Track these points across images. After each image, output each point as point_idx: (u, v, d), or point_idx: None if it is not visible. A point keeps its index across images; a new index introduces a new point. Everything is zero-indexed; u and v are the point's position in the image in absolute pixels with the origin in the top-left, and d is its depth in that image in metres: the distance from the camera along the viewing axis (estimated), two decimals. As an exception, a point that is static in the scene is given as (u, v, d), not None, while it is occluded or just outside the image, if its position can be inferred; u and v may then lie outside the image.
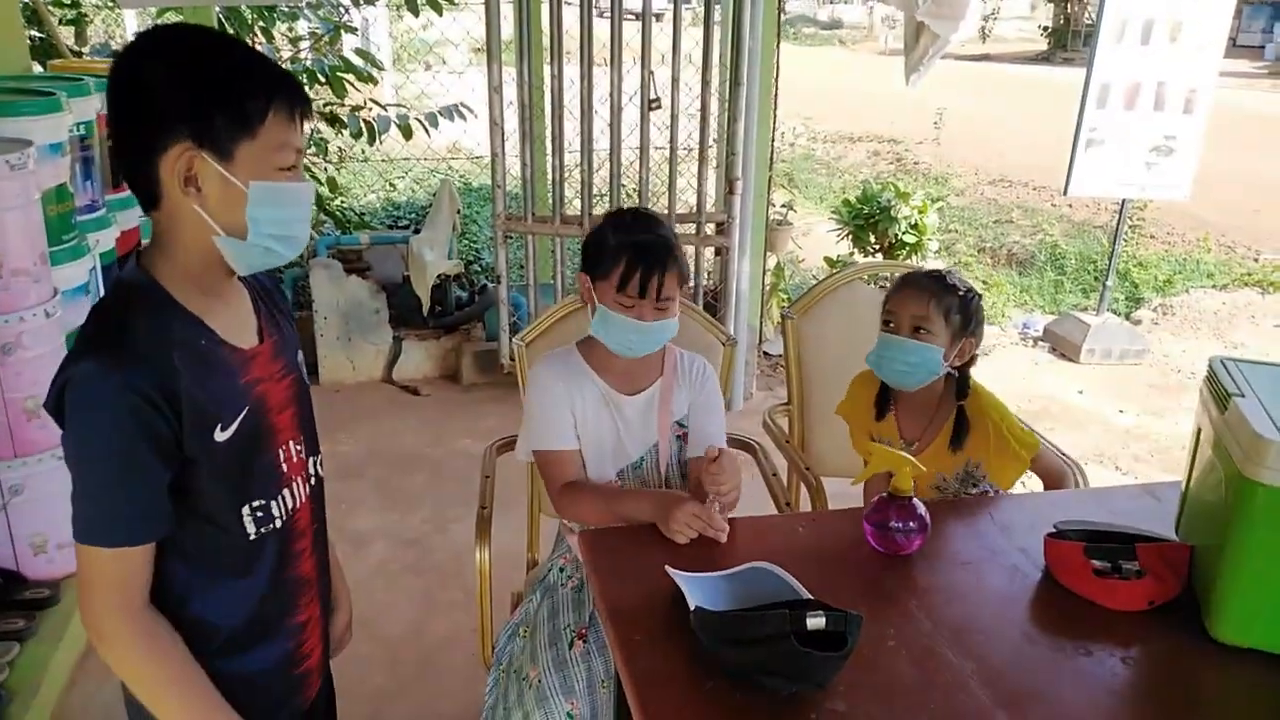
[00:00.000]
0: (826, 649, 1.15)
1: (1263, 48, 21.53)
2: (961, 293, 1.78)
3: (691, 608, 1.26)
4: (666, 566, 1.38)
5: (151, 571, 1.09)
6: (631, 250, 1.65)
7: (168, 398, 1.04)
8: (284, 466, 1.22)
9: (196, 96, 1.03)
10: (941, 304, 1.77)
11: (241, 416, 1.13)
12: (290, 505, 1.23)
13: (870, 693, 1.20)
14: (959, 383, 1.85)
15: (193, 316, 1.11)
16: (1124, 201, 4.82)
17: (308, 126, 1.18)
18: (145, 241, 1.15)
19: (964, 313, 1.78)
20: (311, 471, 1.28)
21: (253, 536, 1.17)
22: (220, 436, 1.10)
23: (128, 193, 3.29)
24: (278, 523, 1.20)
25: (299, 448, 1.24)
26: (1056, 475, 1.89)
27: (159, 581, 1.11)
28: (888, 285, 1.92)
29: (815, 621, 1.17)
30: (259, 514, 1.18)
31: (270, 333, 1.22)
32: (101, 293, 2.85)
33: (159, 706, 1.12)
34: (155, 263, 1.11)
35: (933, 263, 5.42)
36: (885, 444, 1.87)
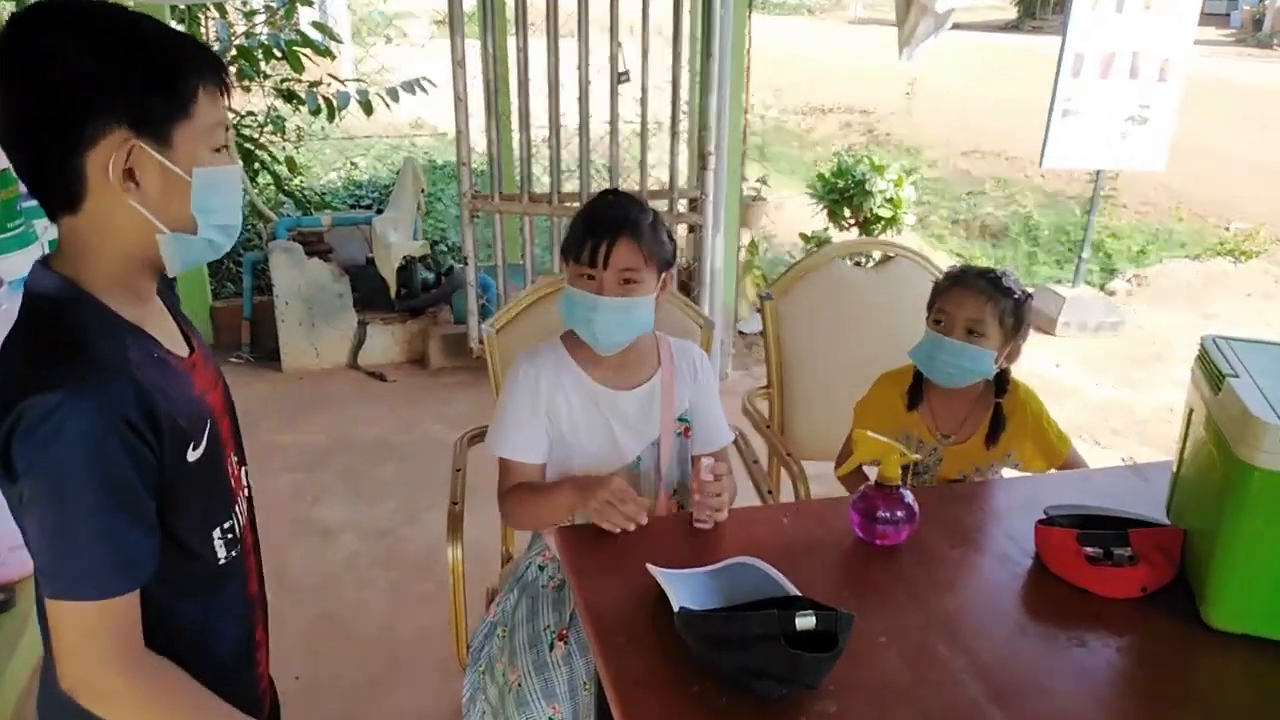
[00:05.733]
0: (816, 648, 1.11)
1: (1228, 15, 21.70)
2: (1016, 296, 1.76)
3: (675, 609, 1.21)
4: (648, 565, 1.33)
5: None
6: (587, 218, 1.61)
7: (149, 419, 0.94)
8: (232, 481, 1.13)
9: (129, 77, 0.91)
10: (997, 307, 1.74)
11: (207, 432, 1.05)
12: (243, 522, 1.16)
13: (861, 692, 1.17)
14: (998, 380, 1.83)
15: (136, 327, 1.00)
16: (1099, 172, 4.81)
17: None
18: (48, 250, 1.03)
19: (1016, 315, 1.76)
20: (245, 483, 1.20)
21: (222, 561, 1.09)
22: (192, 456, 1.02)
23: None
24: (243, 544, 1.14)
25: (235, 459, 1.16)
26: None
27: None
28: (865, 263, 1.88)
29: (805, 622, 1.13)
30: (229, 536, 1.10)
31: (194, 339, 1.14)
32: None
33: None
34: (75, 271, 0.98)
35: (908, 237, 5.39)
36: (906, 440, 1.82)
